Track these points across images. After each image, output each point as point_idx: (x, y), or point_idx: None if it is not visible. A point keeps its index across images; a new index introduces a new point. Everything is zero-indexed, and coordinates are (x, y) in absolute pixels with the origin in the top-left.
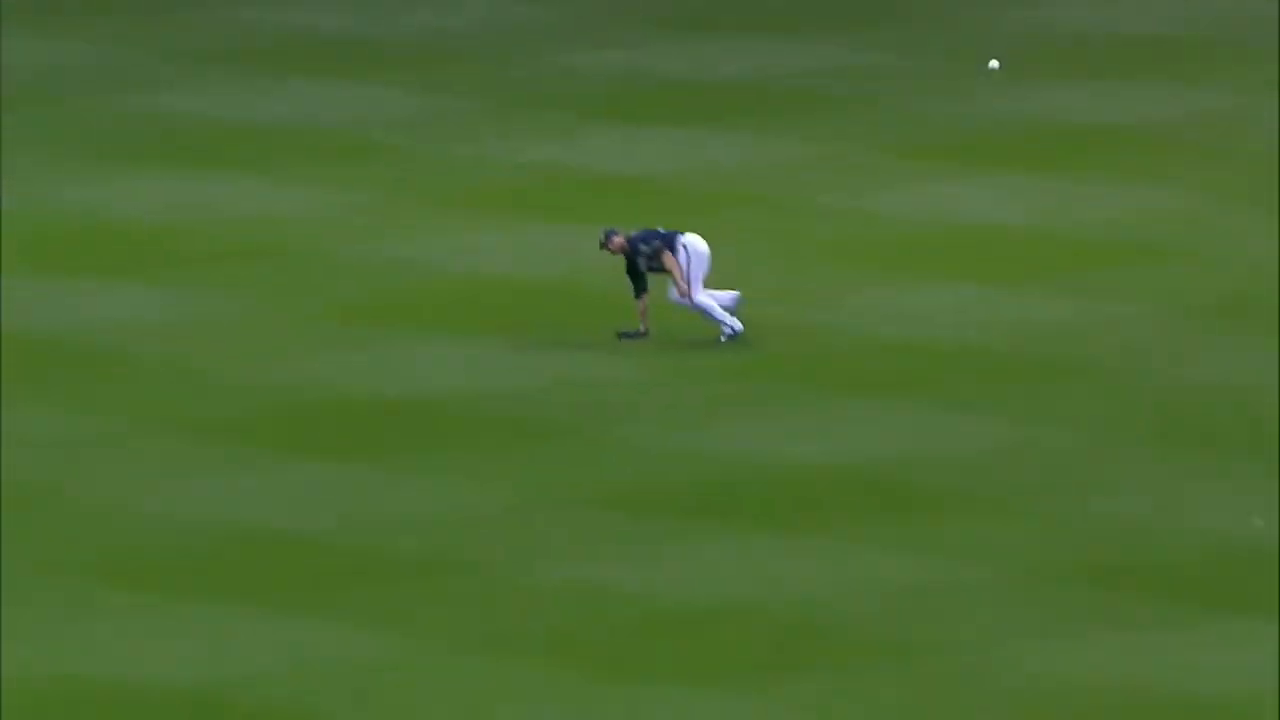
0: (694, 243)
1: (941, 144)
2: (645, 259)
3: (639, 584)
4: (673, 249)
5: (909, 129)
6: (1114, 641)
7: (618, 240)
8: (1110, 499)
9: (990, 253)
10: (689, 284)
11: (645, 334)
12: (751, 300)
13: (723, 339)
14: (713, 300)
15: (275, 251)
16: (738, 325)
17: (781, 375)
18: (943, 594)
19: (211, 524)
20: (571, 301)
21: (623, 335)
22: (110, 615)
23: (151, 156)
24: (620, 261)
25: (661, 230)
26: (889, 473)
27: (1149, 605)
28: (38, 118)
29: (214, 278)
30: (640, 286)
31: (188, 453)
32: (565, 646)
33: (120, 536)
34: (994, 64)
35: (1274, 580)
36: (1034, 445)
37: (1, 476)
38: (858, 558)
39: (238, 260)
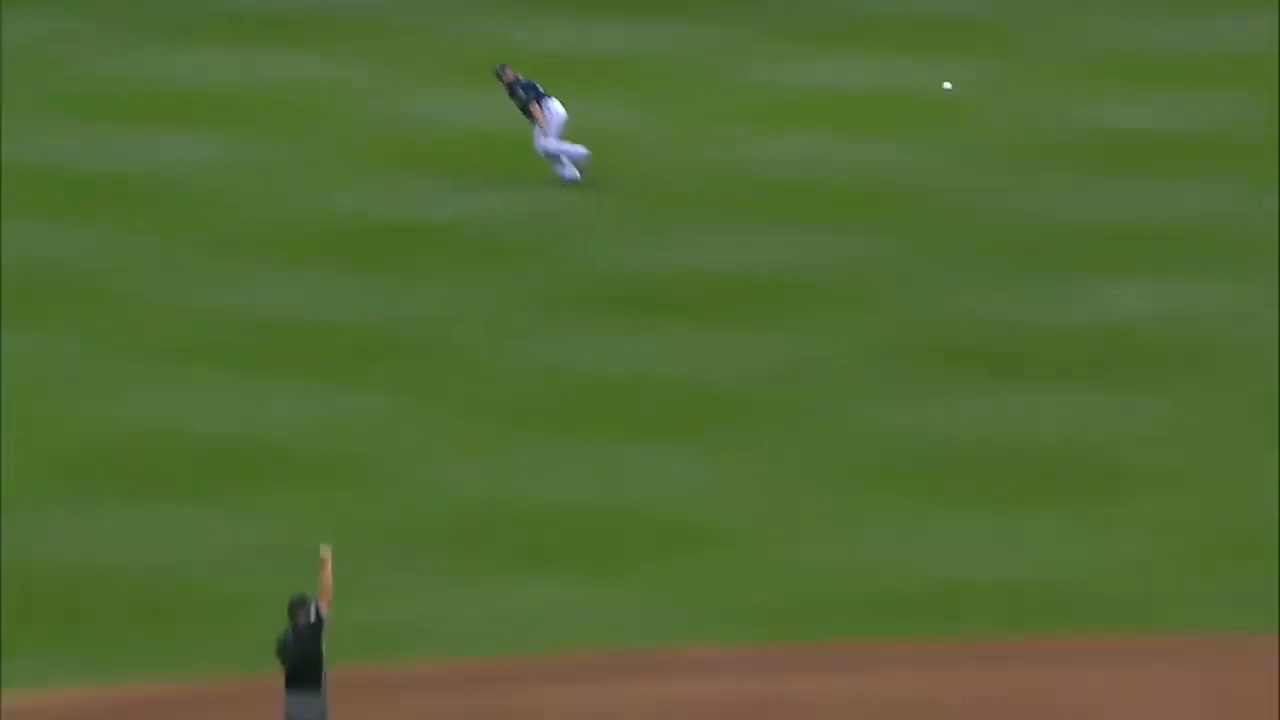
0: (555, 106)
1: (803, 31)
2: (519, 101)
3: (587, 363)
4: (540, 103)
5: (779, 21)
6: (947, 403)
7: (509, 74)
8: (948, 297)
9: (840, 113)
10: (548, 133)
11: (545, 130)
12: (653, 149)
13: (564, 181)
14: (561, 150)
15: (307, 108)
16: (576, 174)
17: (686, 205)
18: (817, 368)
19: (256, 314)
20: (533, 150)
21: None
22: (169, 385)
23: (204, 36)
24: None
25: (540, 88)
26: (775, 277)
27: (970, 376)
28: (121, 11)
29: (260, 128)
30: (523, 109)
31: (235, 262)
32: (530, 411)
33: (179, 327)
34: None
35: (1062, 358)
36: (883, 255)
37: (73, 280)
38: (750, 342)
39: (274, 114)
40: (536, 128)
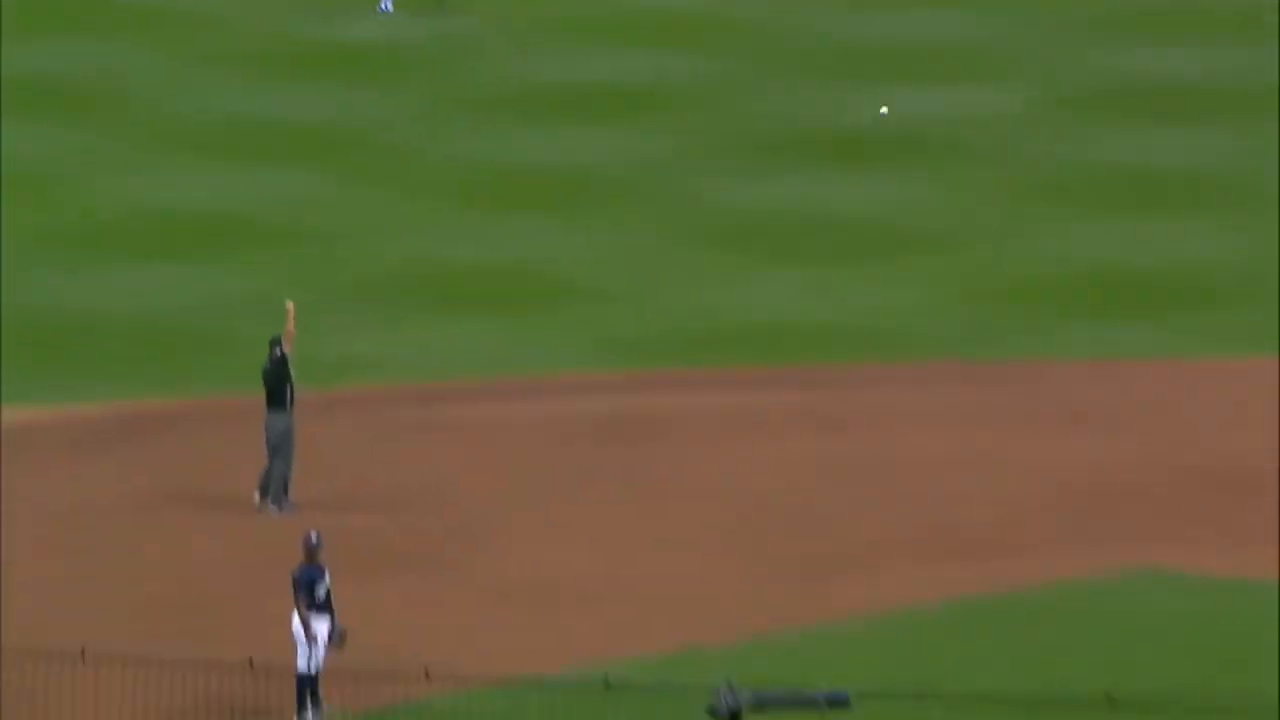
0: None
1: None
2: None
3: (491, 155)
4: None
5: None
6: (769, 185)
7: None
8: (770, 104)
9: None
10: None
11: None
12: None
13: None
14: None
15: None
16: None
17: (557, 29)
18: (669, 158)
19: (235, 116)
20: None
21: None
22: (165, 171)
23: None
24: None
25: None
26: (636, 88)
27: (788, 163)
28: None
29: None
30: None
31: (218, 76)
32: (448, 192)
33: (172, 125)
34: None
35: (860, 149)
36: (717, 71)
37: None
38: (618, 137)
39: None
40: None
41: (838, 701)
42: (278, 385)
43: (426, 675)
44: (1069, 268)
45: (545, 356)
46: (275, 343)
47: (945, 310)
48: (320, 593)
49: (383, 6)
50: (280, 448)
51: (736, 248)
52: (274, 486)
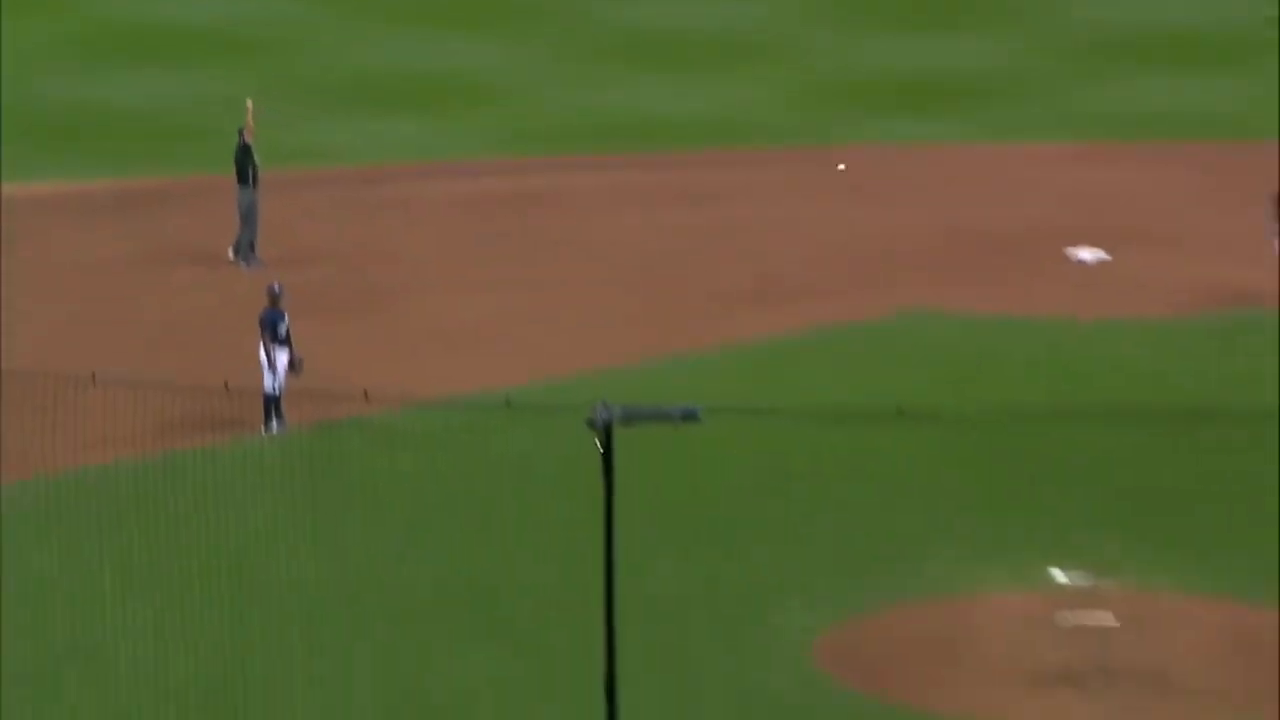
0: None
1: None
2: None
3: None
4: None
5: None
6: (654, 4)
7: None
8: None
9: None
10: None
11: None
12: None
13: None
14: None
15: None
16: None
17: None
18: None
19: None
20: None
21: None
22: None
23: None
24: None
25: None
26: None
27: None
28: None
29: None
30: None
31: None
32: (387, 11)
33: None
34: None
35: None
36: None
37: None
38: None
39: None
40: None
41: (690, 416)
42: (244, 166)
43: (365, 396)
44: (880, 74)
45: (463, 145)
46: (240, 132)
47: (783, 107)
48: (281, 331)
49: None
50: (248, 217)
51: (620, 57)
52: (243, 247)
